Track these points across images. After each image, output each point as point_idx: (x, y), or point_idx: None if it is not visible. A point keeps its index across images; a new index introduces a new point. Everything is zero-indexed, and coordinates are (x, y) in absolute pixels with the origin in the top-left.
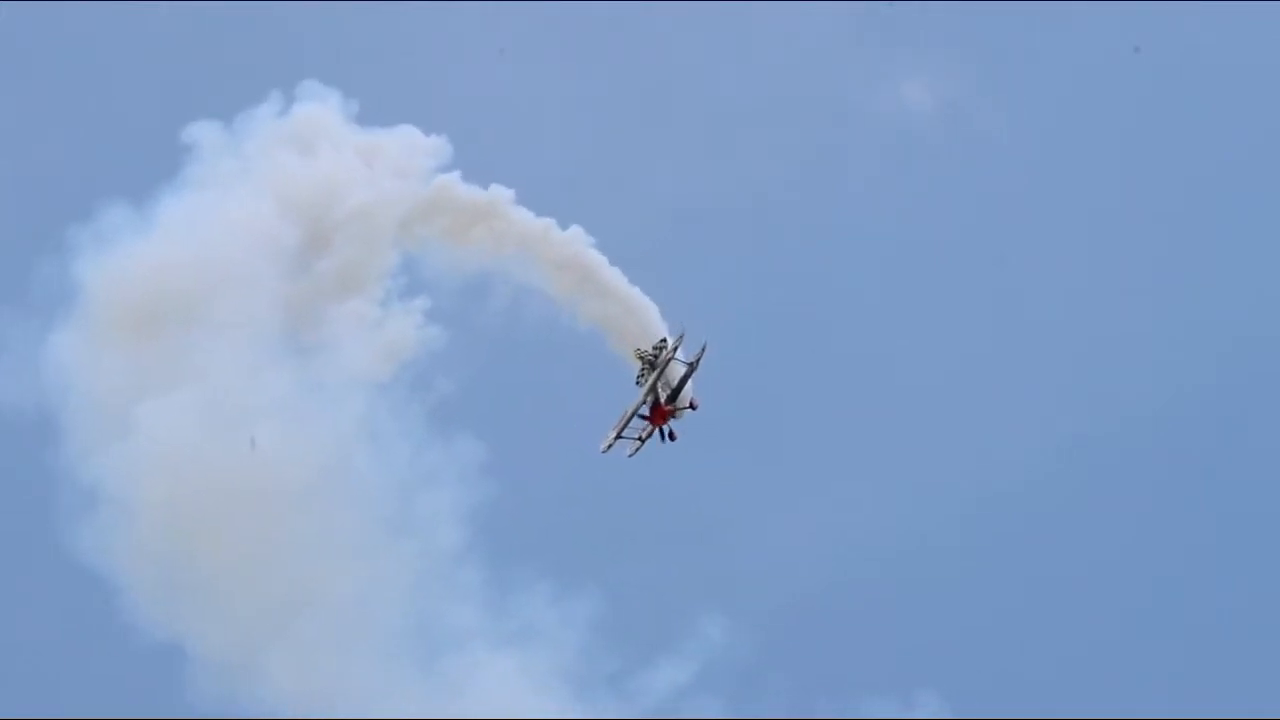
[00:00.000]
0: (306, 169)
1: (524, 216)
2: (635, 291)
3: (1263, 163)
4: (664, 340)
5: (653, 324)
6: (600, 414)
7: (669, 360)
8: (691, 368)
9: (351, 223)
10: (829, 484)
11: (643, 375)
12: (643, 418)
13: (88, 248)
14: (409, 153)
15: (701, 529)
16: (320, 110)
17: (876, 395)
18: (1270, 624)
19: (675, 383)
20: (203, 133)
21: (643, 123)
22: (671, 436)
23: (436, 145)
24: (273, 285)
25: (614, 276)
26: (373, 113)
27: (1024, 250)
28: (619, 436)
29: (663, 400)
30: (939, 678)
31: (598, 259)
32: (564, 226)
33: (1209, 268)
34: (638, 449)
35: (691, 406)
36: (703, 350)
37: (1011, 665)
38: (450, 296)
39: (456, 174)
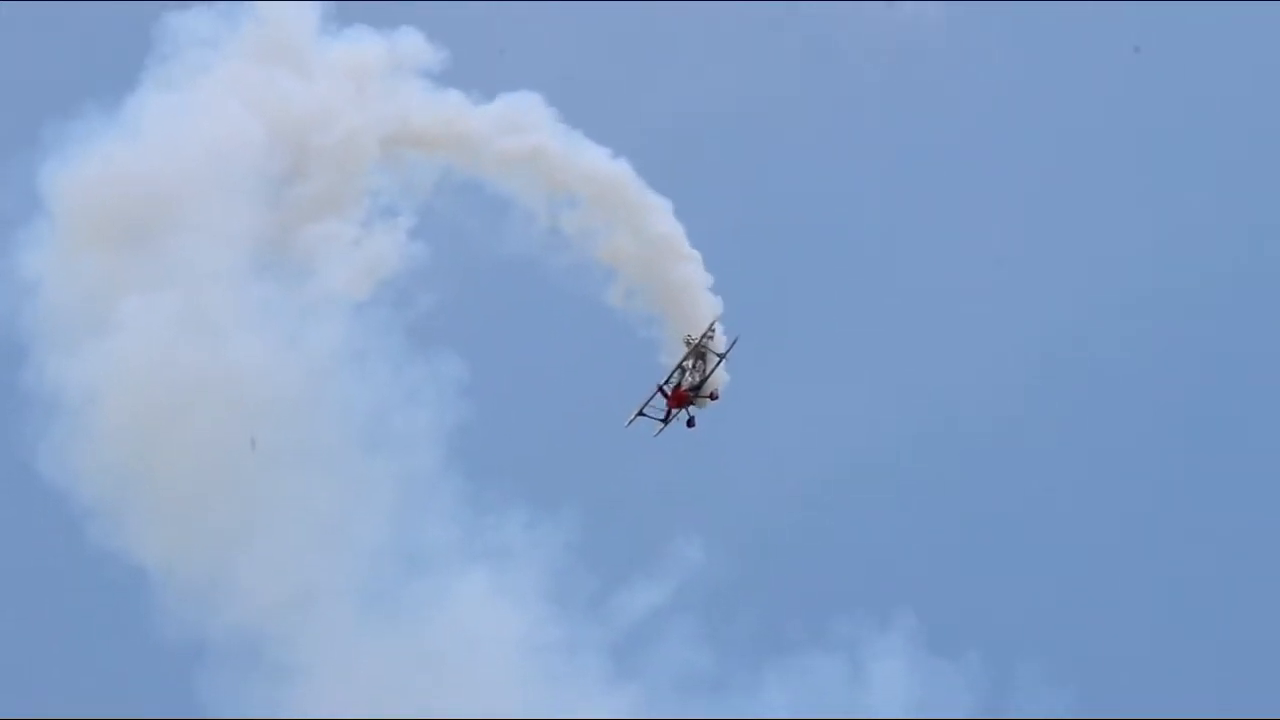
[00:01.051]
0: (288, 82)
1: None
2: (677, 238)
3: None
4: (713, 327)
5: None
6: (582, 339)
7: (705, 345)
8: (720, 359)
9: (333, 141)
10: (808, 403)
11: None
12: (662, 394)
13: (59, 151)
14: (399, 63)
15: (679, 449)
16: (303, 12)
17: (862, 309)
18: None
19: (705, 371)
20: (180, 27)
21: (643, 29)
22: (690, 423)
23: (432, 54)
24: (251, 197)
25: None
26: (364, 13)
27: (1025, 158)
28: (640, 414)
29: (684, 385)
30: (916, 597)
31: (648, 198)
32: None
33: (1208, 165)
34: (662, 429)
35: (712, 397)
36: (733, 344)
37: (992, 585)
38: (435, 214)
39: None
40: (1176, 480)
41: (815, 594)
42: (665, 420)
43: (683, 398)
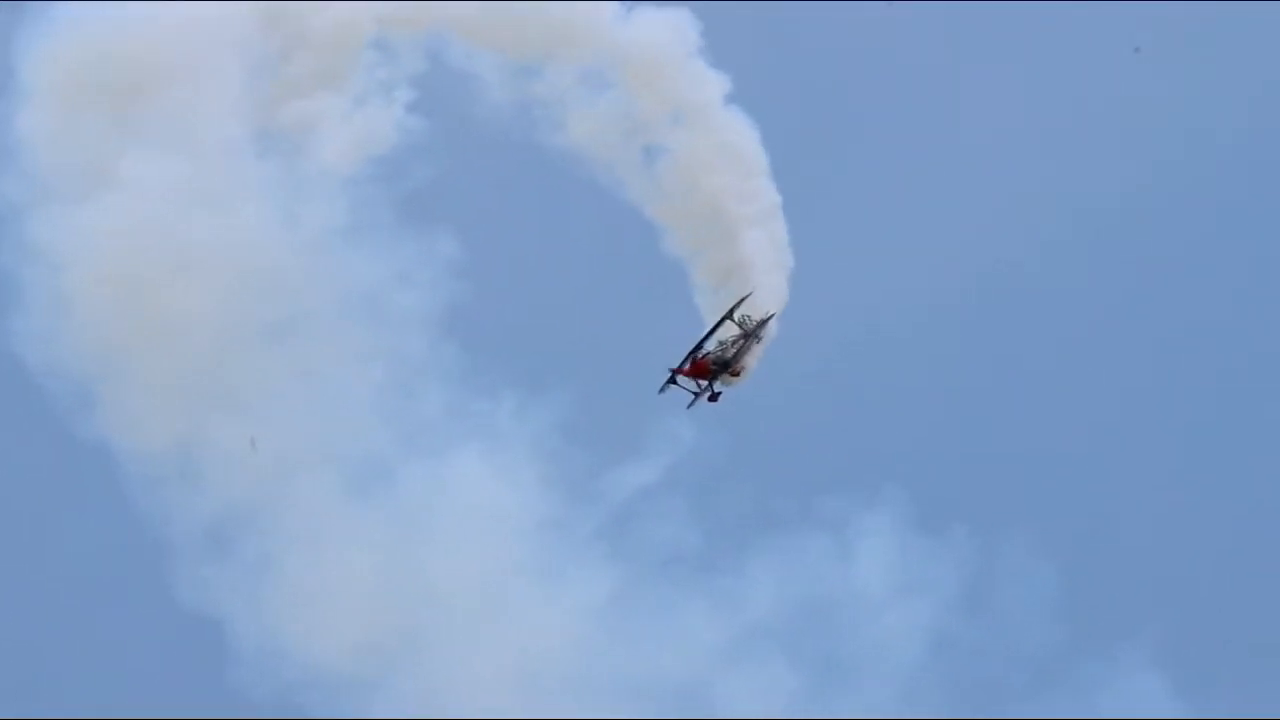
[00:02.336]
0: None
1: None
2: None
3: None
4: (770, 317)
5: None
6: (578, 223)
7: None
8: (748, 336)
9: (327, 17)
10: (795, 285)
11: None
12: (672, 378)
13: (44, 20)
14: None
15: (671, 330)
16: None
17: (855, 187)
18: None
19: (733, 349)
20: None
21: None
22: (714, 398)
23: None
24: (241, 72)
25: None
26: None
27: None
28: (672, 382)
29: (710, 359)
30: (907, 475)
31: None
32: None
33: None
34: (694, 401)
35: (734, 373)
36: (763, 320)
37: (982, 463)
38: (435, 91)
39: None
40: (1170, 361)
41: (804, 473)
42: (697, 394)
43: (702, 368)
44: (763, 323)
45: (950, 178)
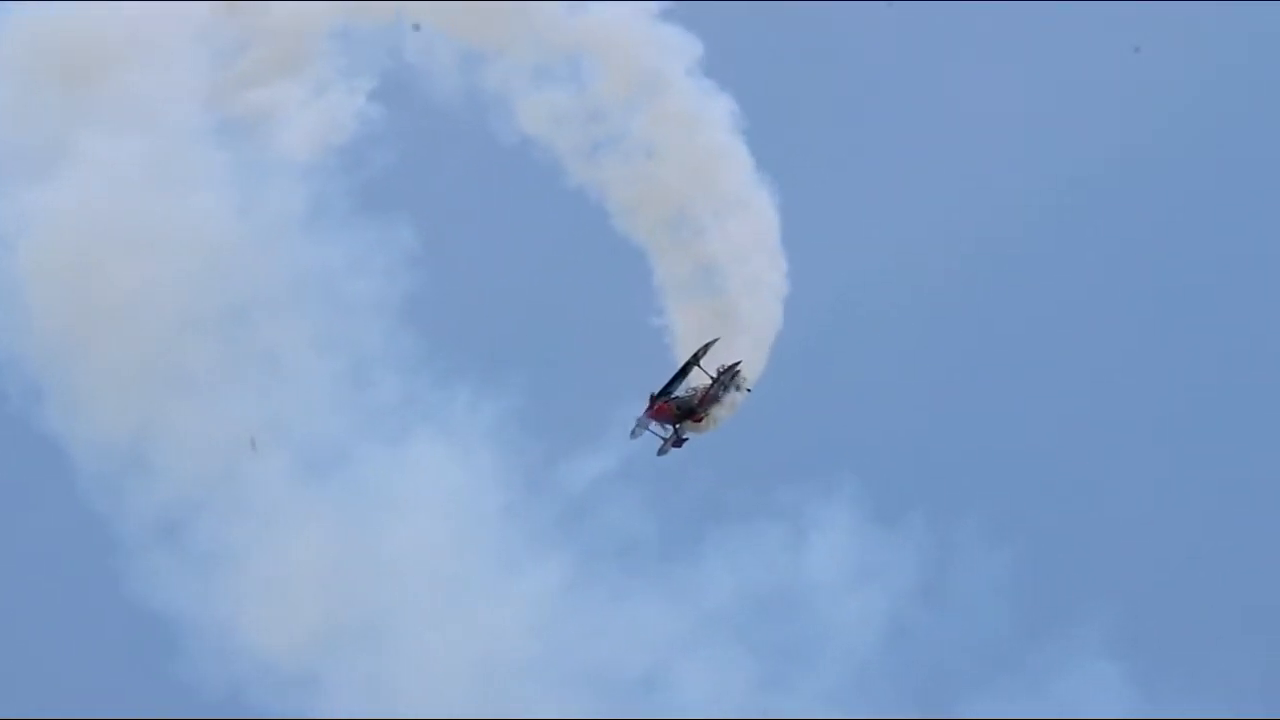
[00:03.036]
0: None
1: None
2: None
3: None
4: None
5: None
6: (537, 213)
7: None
8: (716, 383)
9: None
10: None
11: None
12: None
13: None
14: None
15: (626, 320)
16: None
17: (826, 169)
18: None
19: (699, 396)
20: None
21: None
22: (679, 443)
23: None
24: (198, 59)
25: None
26: None
27: None
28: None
29: (674, 403)
30: (861, 464)
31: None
32: None
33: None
34: (663, 447)
35: (695, 419)
36: (729, 369)
37: (938, 453)
38: (398, 80)
39: None
40: (1124, 352)
41: (760, 463)
42: (667, 441)
43: (665, 411)
44: (729, 370)
45: (910, 174)
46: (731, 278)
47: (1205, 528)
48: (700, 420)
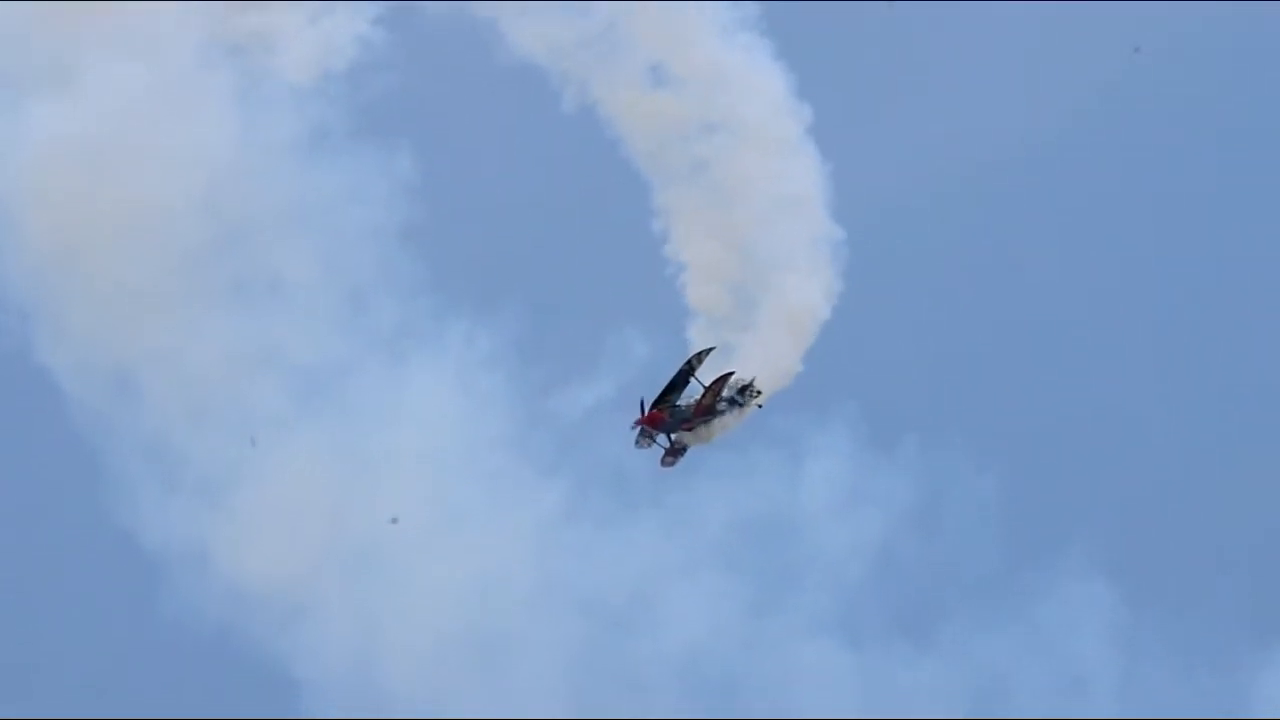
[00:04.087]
0: None
1: None
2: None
3: None
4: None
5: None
6: (539, 140)
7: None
8: (708, 392)
9: None
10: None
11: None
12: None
13: None
14: None
15: (629, 249)
16: None
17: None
18: None
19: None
20: None
21: None
22: (676, 453)
23: None
24: None
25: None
26: None
27: None
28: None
29: (669, 412)
30: (860, 390)
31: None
32: None
33: None
34: (666, 457)
35: (687, 428)
36: (721, 381)
37: (931, 378)
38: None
39: None
40: (1115, 273)
41: None
42: (672, 452)
43: (655, 419)
44: (720, 381)
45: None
46: (742, 203)
47: (1194, 449)
48: (692, 429)
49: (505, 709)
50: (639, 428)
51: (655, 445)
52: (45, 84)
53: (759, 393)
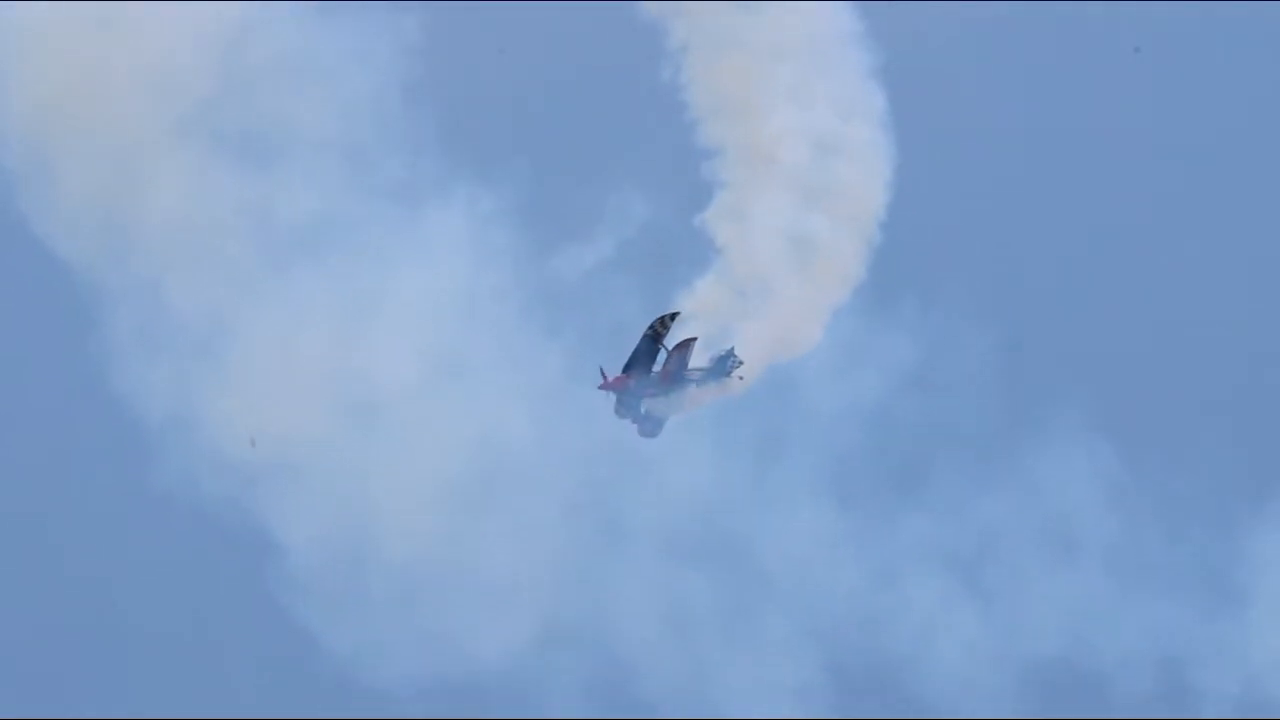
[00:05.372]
0: None
1: None
2: None
3: None
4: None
5: None
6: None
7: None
8: (671, 357)
9: None
10: None
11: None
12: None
13: None
14: None
15: (630, 107)
16: None
17: None
18: None
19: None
20: None
21: None
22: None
23: None
24: None
25: None
26: None
27: None
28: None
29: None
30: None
31: None
32: None
33: None
34: (653, 433)
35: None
36: (724, 357)
37: (928, 239)
38: None
39: None
40: (1122, 137)
41: None
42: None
43: (620, 384)
44: (725, 359)
45: None
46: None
47: (1189, 309)
48: (666, 397)
49: (496, 561)
50: (610, 391)
51: (632, 420)
52: None
53: (740, 363)
